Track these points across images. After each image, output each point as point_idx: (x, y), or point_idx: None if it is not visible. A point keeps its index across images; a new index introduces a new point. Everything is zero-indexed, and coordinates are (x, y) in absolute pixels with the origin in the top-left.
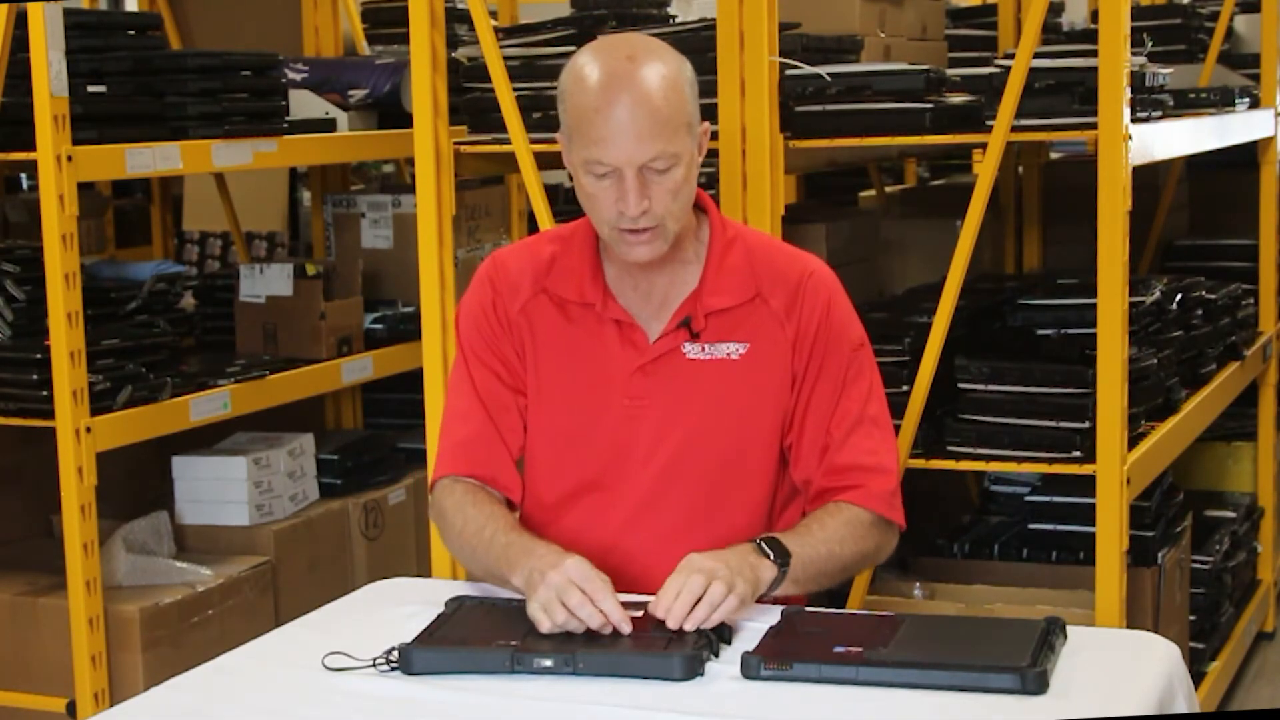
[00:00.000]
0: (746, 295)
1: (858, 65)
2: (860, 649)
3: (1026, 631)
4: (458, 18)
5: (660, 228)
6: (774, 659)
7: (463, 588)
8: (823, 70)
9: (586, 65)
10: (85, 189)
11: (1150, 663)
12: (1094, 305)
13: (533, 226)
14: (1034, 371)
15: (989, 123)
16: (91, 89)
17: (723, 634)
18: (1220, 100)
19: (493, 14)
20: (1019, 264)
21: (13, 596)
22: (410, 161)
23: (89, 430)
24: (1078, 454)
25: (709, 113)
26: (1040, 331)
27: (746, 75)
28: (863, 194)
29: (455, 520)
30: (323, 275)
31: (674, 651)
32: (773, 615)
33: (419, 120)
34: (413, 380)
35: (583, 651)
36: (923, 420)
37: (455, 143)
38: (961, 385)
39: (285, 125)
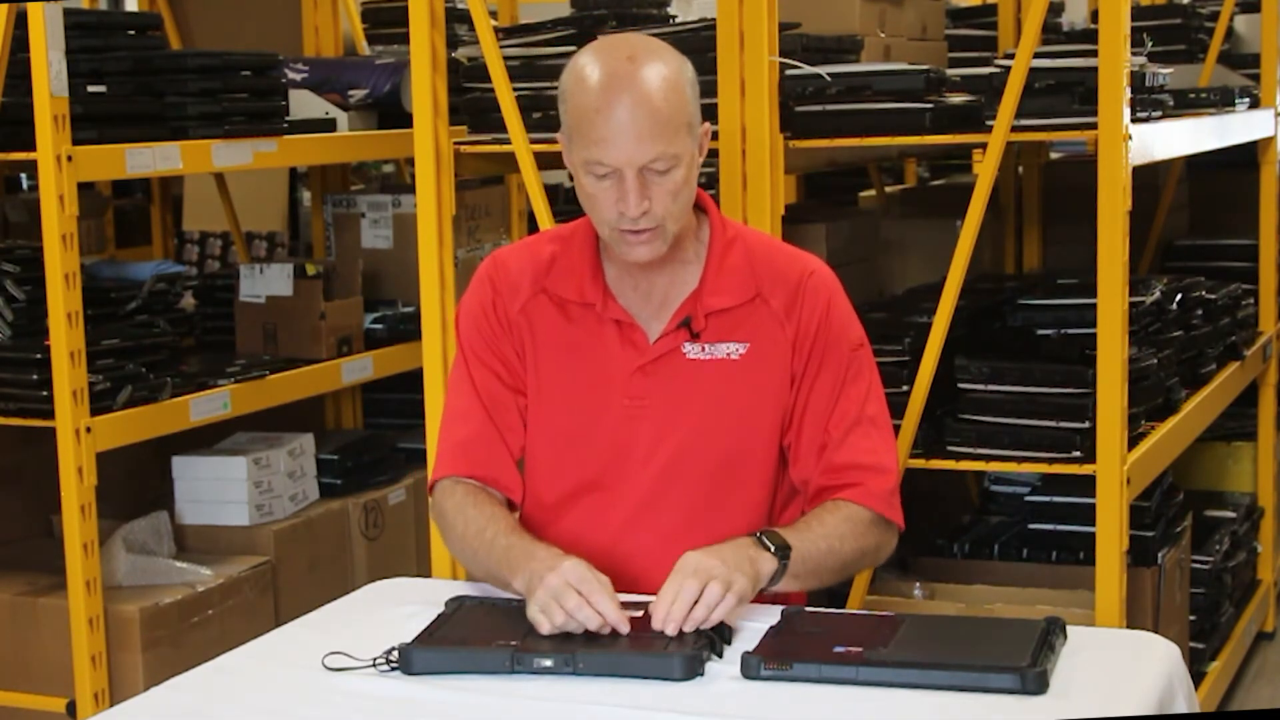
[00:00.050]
0: (746, 295)
1: (858, 65)
2: (860, 649)
3: (1026, 631)
4: (458, 18)
5: (660, 228)
6: (774, 659)
7: (463, 588)
8: (823, 70)
9: (587, 65)
10: (85, 189)
11: (1150, 663)
12: (1094, 305)
13: (533, 226)
14: (1034, 371)
15: (989, 123)
16: (91, 89)
17: (723, 634)
18: (1220, 100)
19: (493, 14)
20: (1019, 264)
21: (13, 596)
22: (410, 161)
23: (89, 430)
24: (1078, 454)
25: (709, 113)
26: (1040, 331)
27: (746, 75)
28: (863, 194)
29: (456, 522)
30: (323, 275)
31: (674, 651)
32: (773, 615)
33: (419, 120)
34: (413, 380)
35: (583, 651)
36: (923, 420)
37: (455, 143)
38: (961, 385)
39: (285, 125)
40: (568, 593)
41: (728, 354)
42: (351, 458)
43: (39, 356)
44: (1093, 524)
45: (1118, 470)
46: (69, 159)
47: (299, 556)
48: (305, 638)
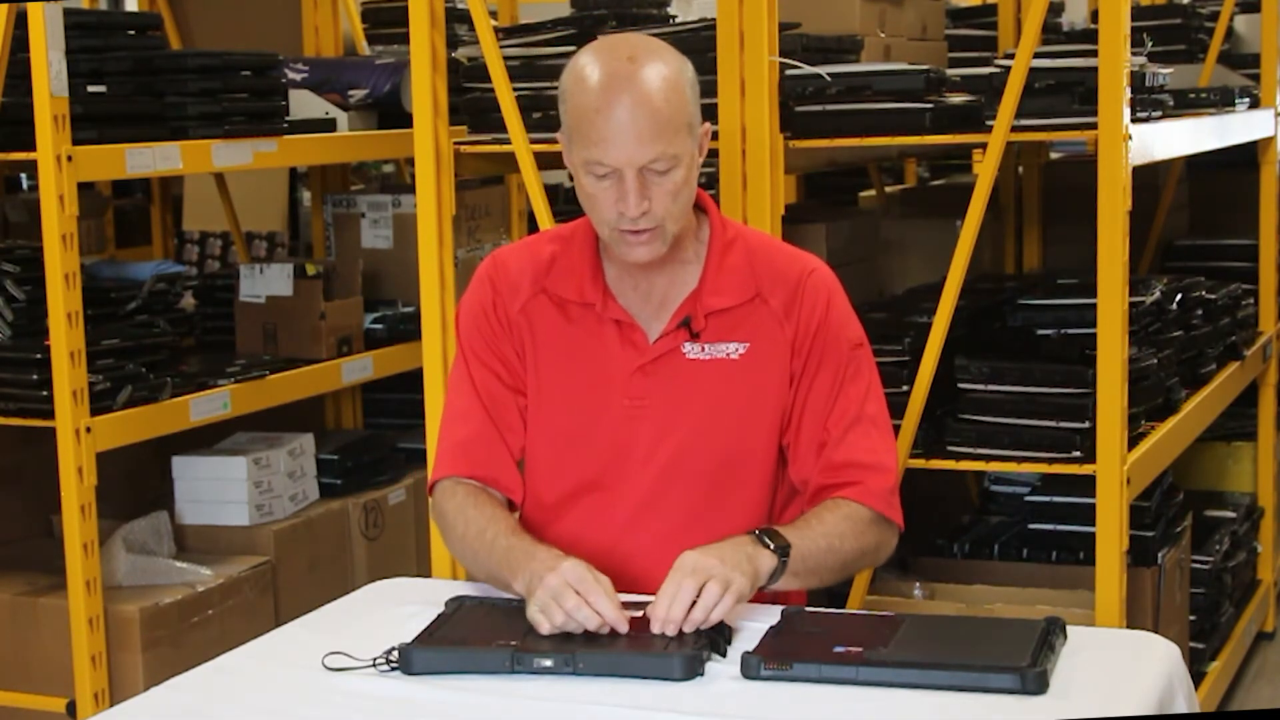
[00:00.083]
0: (746, 295)
1: (858, 65)
2: (860, 649)
3: (1026, 631)
4: (458, 18)
5: (660, 229)
6: (774, 659)
7: (463, 588)
8: (823, 70)
9: (587, 66)
10: (85, 189)
11: (1150, 663)
12: (1094, 305)
13: (533, 226)
14: (1034, 371)
15: (989, 123)
16: (91, 89)
17: (723, 634)
18: (1220, 100)
19: (493, 14)
20: (1019, 264)
21: (13, 596)
22: (410, 161)
23: (89, 430)
24: (1078, 454)
25: (709, 113)
26: (1040, 331)
27: (746, 75)
28: (863, 194)
29: (457, 523)
30: (323, 275)
31: (674, 651)
32: (773, 615)
33: (419, 120)
34: (413, 380)
35: (583, 651)
36: (923, 420)
37: (455, 143)
38: (961, 385)
39: (285, 125)
40: (567, 593)
41: (727, 354)
42: (351, 458)
43: (39, 356)
44: (1093, 524)
45: (1118, 470)
46: (69, 159)
47: (299, 556)
48: (305, 638)
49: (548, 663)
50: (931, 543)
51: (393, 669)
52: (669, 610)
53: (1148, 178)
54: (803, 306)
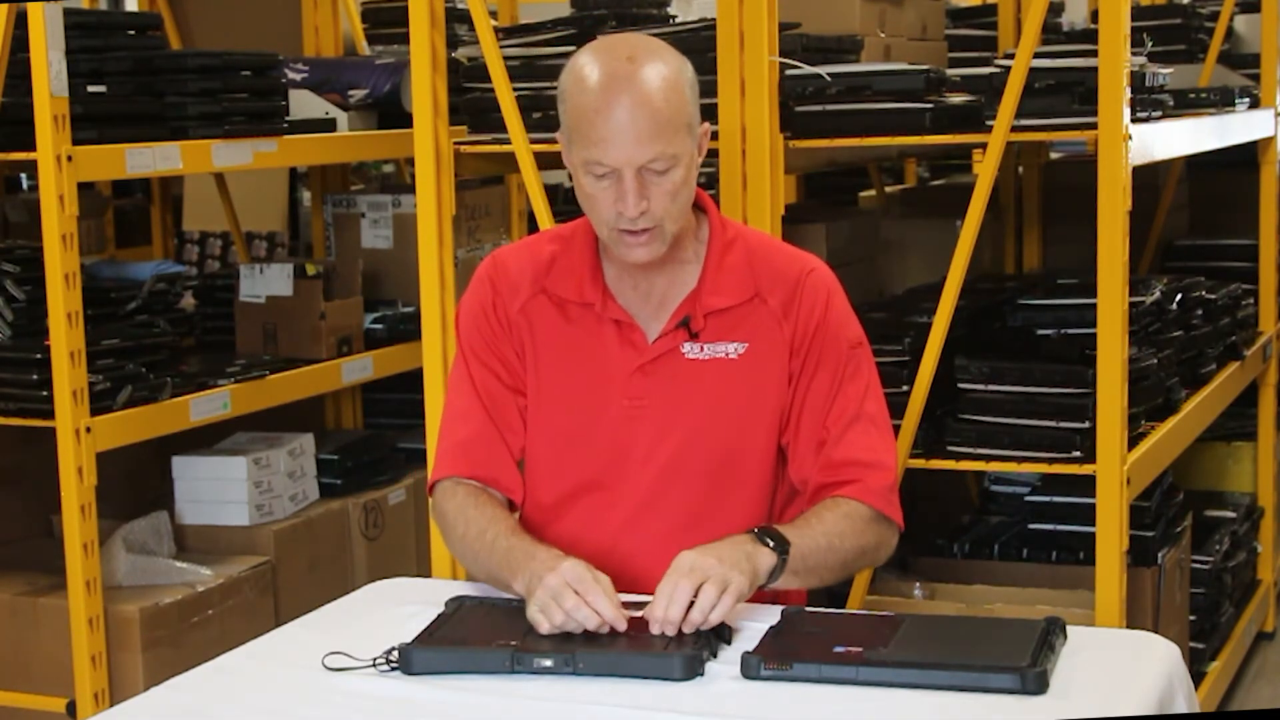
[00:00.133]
0: (745, 295)
1: (858, 65)
2: (860, 649)
3: (1026, 631)
4: (458, 18)
5: (659, 229)
6: (774, 659)
7: (463, 588)
8: (823, 70)
9: (587, 65)
10: (85, 189)
11: (1150, 663)
12: (1094, 305)
13: (533, 226)
14: (1034, 371)
15: (989, 123)
16: (91, 89)
17: (723, 634)
18: (1220, 100)
19: (493, 14)
20: (1019, 264)
21: (13, 596)
22: (410, 161)
23: (89, 430)
24: (1078, 454)
25: (709, 113)
26: (1040, 331)
27: (746, 75)
28: (863, 194)
29: (457, 524)
30: (323, 275)
31: (674, 651)
32: (773, 615)
33: (419, 120)
34: (413, 380)
35: (583, 651)
36: (923, 420)
37: (455, 143)
38: (961, 385)
39: (285, 125)
40: (566, 593)
41: (726, 353)
42: (351, 458)
43: (39, 356)
44: (1093, 524)
45: (1118, 470)
46: (69, 159)
47: (299, 556)
48: (305, 638)
49: (548, 663)
50: (931, 543)
51: (393, 669)
52: (666, 611)
53: (1148, 178)
54: (801, 306)
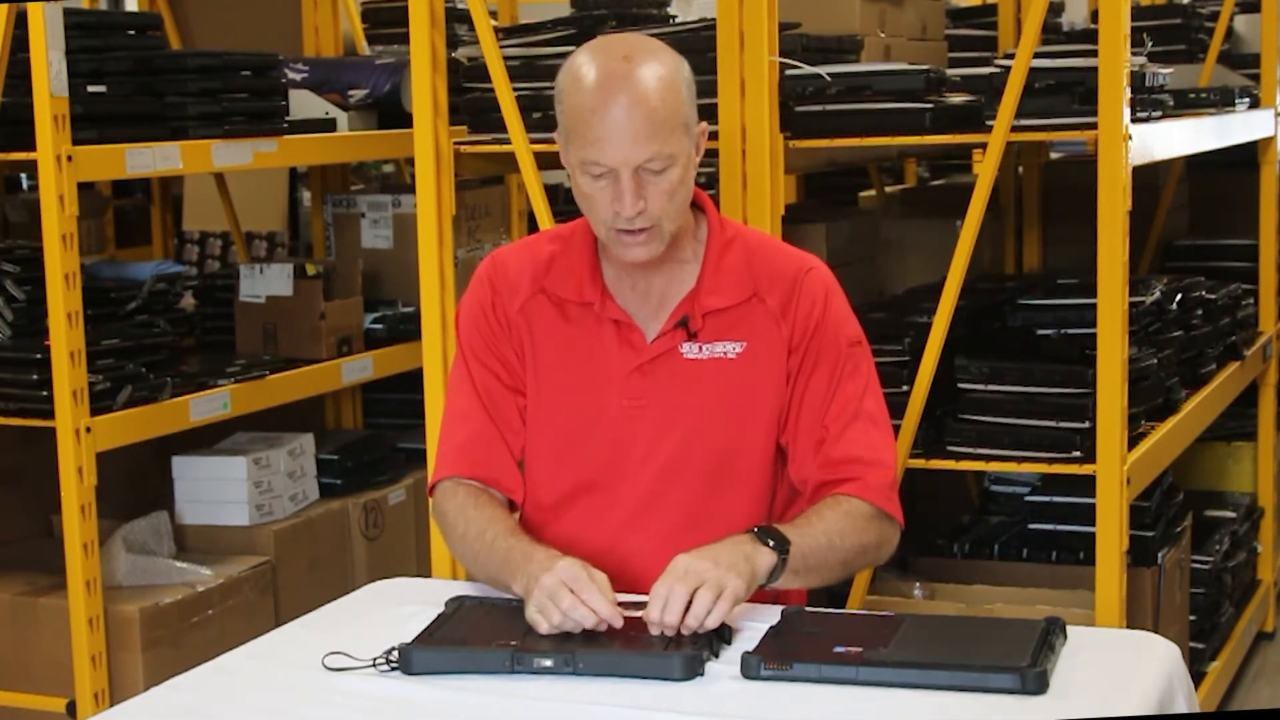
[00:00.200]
0: (744, 295)
1: (858, 65)
2: (860, 649)
3: (1026, 631)
4: (458, 18)
5: (656, 228)
6: (774, 659)
7: (463, 588)
8: (823, 70)
9: (583, 65)
10: (85, 189)
11: (1150, 663)
12: (1094, 305)
13: (533, 226)
14: (1034, 371)
15: (989, 123)
16: (91, 89)
17: (723, 634)
18: (1220, 100)
19: (493, 14)
20: (1019, 264)
21: (13, 596)
22: (410, 161)
23: (89, 430)
24: (1078, 454)
25: (709, 113)
26: (1040, 331)
27: (746, 75)
28: (863, 194)
29: (457, 524)
30: (323, 275)
31: (674, 651)
32: (773, 615)
33: (419, 120)
34: (413, 380)
35: (582, 651)
36: (923, 420)
37: (455, 143)
38: (961, 385)
39: (285, 125)
40: (562, 592)
41: (725, 353)
42: (351, 458)
43: (39, 356)
44: (1093, 524)
45: (1118, 470)
46: (69, 159)
47: (299, 556)
48: (305, 638)
49: (548, 663)
50: (931, 543)
51: (393, 669)
52: (663, 616)
53: (1148, 178)
54: (800, 305)
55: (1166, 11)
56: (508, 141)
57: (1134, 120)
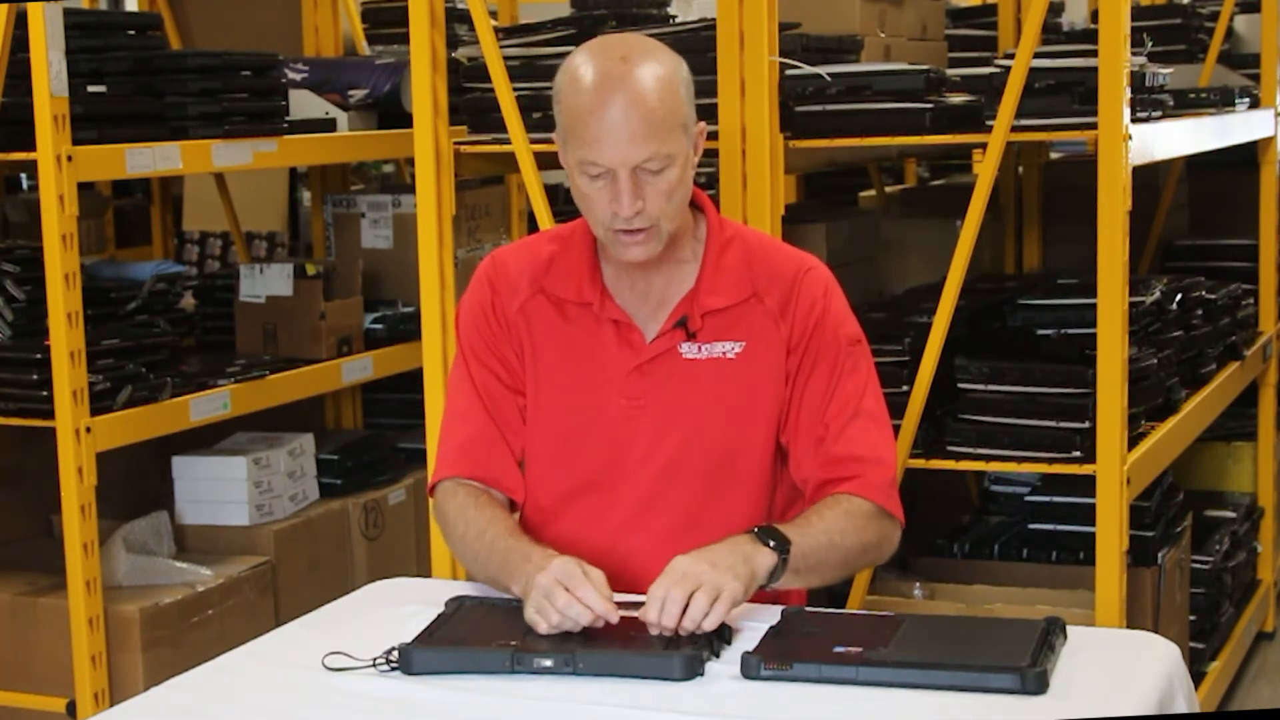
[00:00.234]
0: (743, 295)
1: (858, 65)
2: (860, 649)
3: (1026, 631)
4: (458, 18)
5: (655, 228)
6: (774, 659)
7: (463, 588)
8: (823, 70)
9: (581, 66)
10: (85, 189)
11: (1150, 663)
12: (1094, 305)
13: (533, 226)
14: (1034, 371)
15: (989, 123)
16: (91, 89)
17: (723, 634)
18: (1220, 100)
19: (493, 14)
20: (1019, 264)
21: (13, 596)
22: (410, 161)
23: (89, 430)
24: (1078, 454)
25: (709, 113)
26: (1040, 331)
27: (746, 75)
28: (863, 194)
29: (457, 525)
30: (323, 275)
31: (674, 651)
32: (773, 615)
33: (419, 120)
34: (413, 380)
35: (583, 651)
36: (923, 420)
37: (455, 143)
38: (961, 385)
39: (285, 125)
40: (557, 591)
41: (724, 353)
42: (351, 458)
43: (39, 356)
44: (1093, 524)
45: (1118, 470)
46: (69, 159)
47: (299, 556)
48: (305, 638)
49: (548, 663)
50: (931, 543)
51: (393, 669)
52: (660, 620)
53: (1148, 178)
54: (798, 305)
55: (1166, 11)
56: (508, 141)
57: (1134, 120)
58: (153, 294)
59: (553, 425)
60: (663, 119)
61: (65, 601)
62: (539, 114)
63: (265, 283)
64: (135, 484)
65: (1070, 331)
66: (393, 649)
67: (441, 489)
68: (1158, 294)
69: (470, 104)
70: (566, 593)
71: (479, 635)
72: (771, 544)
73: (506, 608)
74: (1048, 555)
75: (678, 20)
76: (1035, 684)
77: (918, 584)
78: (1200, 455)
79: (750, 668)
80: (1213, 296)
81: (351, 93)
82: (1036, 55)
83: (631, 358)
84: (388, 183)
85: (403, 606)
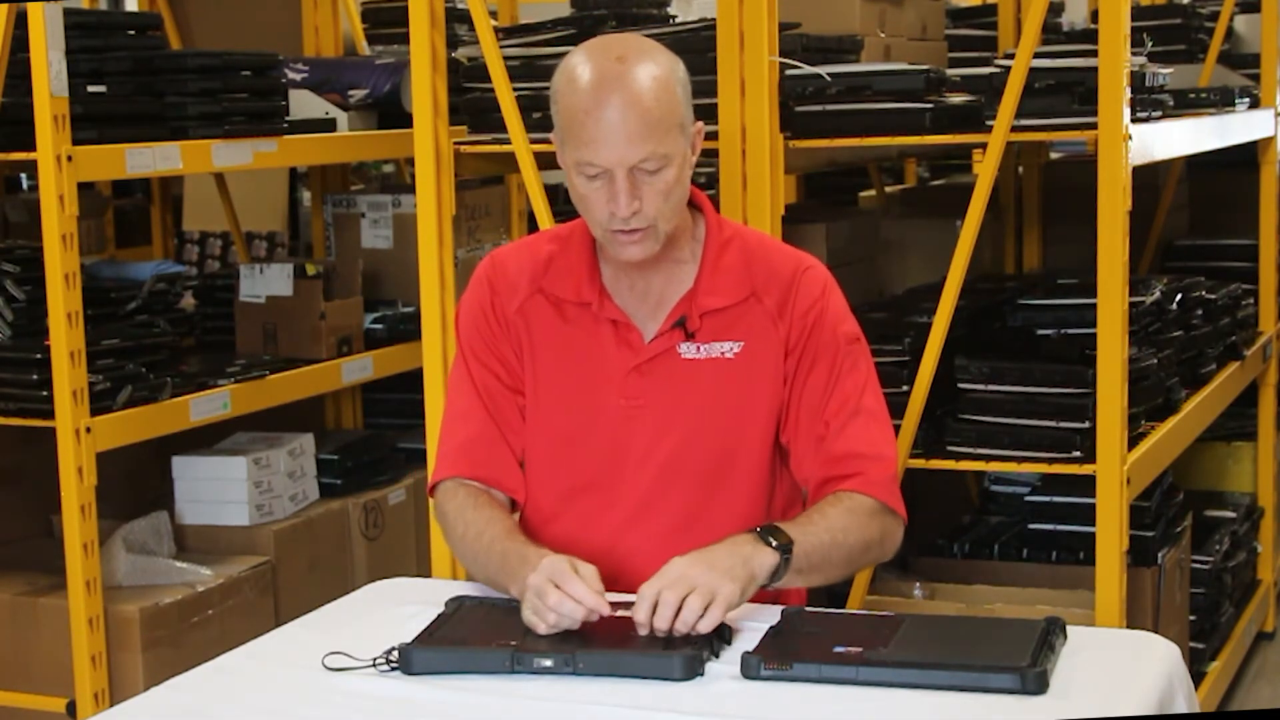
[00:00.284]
0: (741, 295)
1: (858, 65)
2: (860, 649)
3: (1026, 631)
4: (458, 18)
5: (652, 228)
6: (774, 659)
7: (463, 588)
8: (823, 70)
9: (578, 66)
10: (85, 189)
11: (1150, 663)
12: (1094, 305)
13: (533, 226)
14: (1034, 371)
15: (989, 123)
16: (91, 89)
17: (723, 634)
18: (1220, 100)
19: (493, 14)
20: (1019, 264)
21: (13, 596)
22: (410, 161)
23: (89, 430)
24: (1078, 454)
25: (709, 113)
26: (1040, 331)
27: (746, 75)
28: (863, 194)
29: (457, 525)
30: (323, 275)
31: (674, 651)
32: (773, 615)
33: (419, 120)
34: (413, 380)
35: (583, 651)
36: (923, 420)
37: (455, 143)
38: (961, 385)
39: (285, 125)
40: (547, 589)
41: (722, 353)
42: (351, 458)
43: (39, 356)
44: (1093, 524)
45: (1118, 470)
46: (69, 159)
47: (299, 556)
48: (305, 638)
49: (548, 663)
50: (931, 543)
51: (393, 669)
52: (651, 620)
53: (1148, 178)
54: (796, 304)
55: (1166, 11)
56: (508, 141)
57: (1134, 120)
58: (153, 294)
59: (551, 425)
60: (659, 119)
61: (65, 601)
62: (539, 114)
63: (265, 283)
64: (135, 484)
65: (1070, 331)
66: (393, 649)
67: (442, 489)
68: (1158, 294)
69: (470, 104)
70: (557, 590)
71: (479, 635)
72: (773, 543)
73: (506, 608)
74: (1048, 555)
75: (678, 20)
76: (1035, 684)
77: (918, 584)
78: (1200, 455)
79: (750, 668)
80: (1213, 296)
81: (351, 93)
82: (1036, 55)
83: (630, 358)
84: (388, 183)
85: (403, 606)
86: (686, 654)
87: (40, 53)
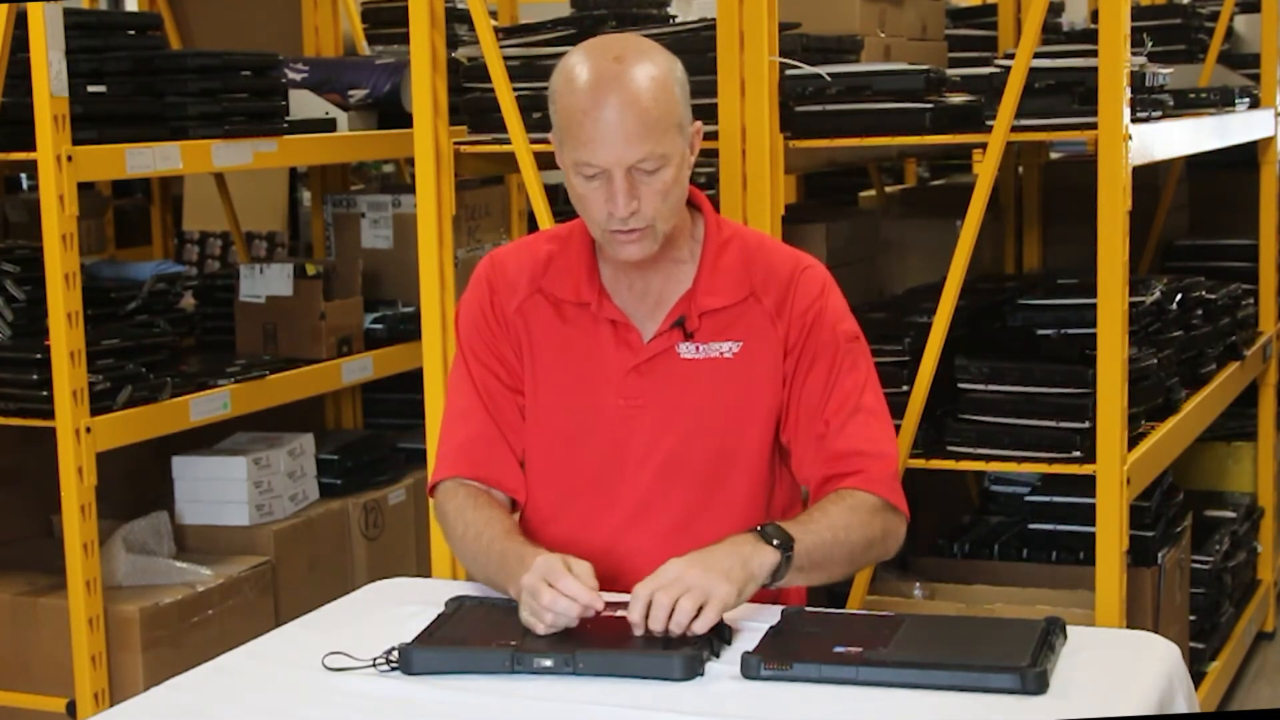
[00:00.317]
0: (740, 295)
1: (858, 65)
2: (860, 649)
3: (1026, 631)
4: (458, 18)
5: (650, 228)
6: (774, 659)
7: (463, 588)
8: (823, 70)
9: (576, 66)
10: (85, 189)
11: (1150, 663)
12: (1094, 305)
13: (533, 226)
14: (1034, 371)
15: (989, 123)
16: (91, 89)
17: (723, 634)
18: (1220, 100)
19: (493, 14)
20: (1019, 264)
21: (13, 596)
22: (410, 161)
23: (89, 430)
24: (1078, 454)
25: (709, 113)
26: (1040, 331)
27: (746, 75)
28: (863, 194)
29: (456, 526)
30: (323, 275)
31: (674, 651)
32: (773, 615)
33: (419, 120)
34: (413, 380)
35: (582, 651)
36: (923, 420)
37: (455, 143)
38: (961, 385)
39: (285, 125)
40: (541, 588)
41: (721, 353)
42: (351, 458)
43: (39, 356)
44: (1093, 524)
45: (1118, 470)
46: (69, 159)
47: (299, 556)
48: (305, 638)
49: (547, 663)
50: (931, 543)
51: (393, 669)
52: (644, 620)
53: (1148, 178)
54: (795, 304)
55: (1166, 11)
56: (508, 141)
57: (1134, 120)
58: (153, 294)
59: (551, 425)
60: (657, 119)
61: (65, 601)
62: (539, 114)
63: (265, 283)
64: (135, 484)
65: (1070, 331)
66: (393, 649)
67: (442, 489)
68: (1158, 294)
69: (470, 104)
70: (550, 589)
71: (479, 635)
72: (775, 542)
73: (506, 608)
74: (1048, 555)
75: (678, 20)
76: (1035, 684)
77: (918, 584)
78: (1200, 455)
79: (750, 668)
80: (1213, 296)
81: (351, 93)
82: (1036, 55)
83: (629, 358)
84: (388, 183)
85: (403, 606)
86: (686, 654)
87: (40, 53)
